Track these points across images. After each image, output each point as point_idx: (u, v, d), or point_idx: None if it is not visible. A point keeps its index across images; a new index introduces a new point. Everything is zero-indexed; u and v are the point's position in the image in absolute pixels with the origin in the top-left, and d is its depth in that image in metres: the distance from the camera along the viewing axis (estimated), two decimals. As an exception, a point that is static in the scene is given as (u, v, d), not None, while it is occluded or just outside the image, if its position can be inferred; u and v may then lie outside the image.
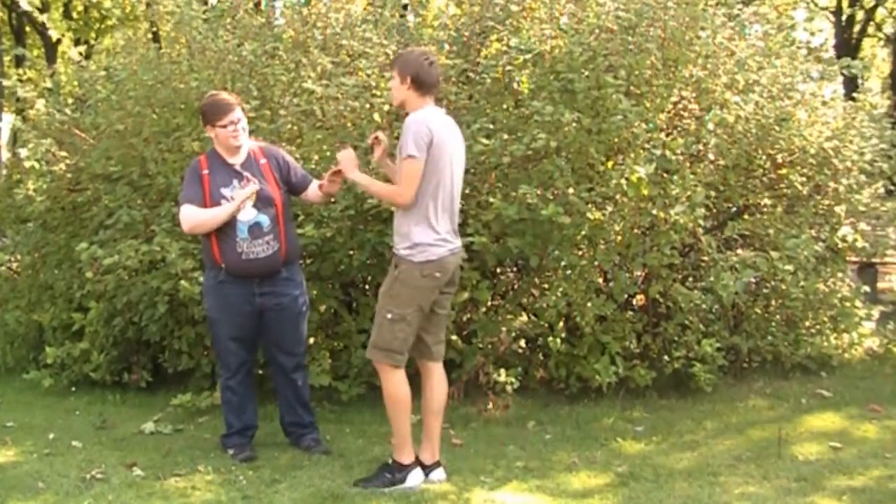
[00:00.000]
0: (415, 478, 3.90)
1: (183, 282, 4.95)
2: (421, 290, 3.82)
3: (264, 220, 4.23)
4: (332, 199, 4.72)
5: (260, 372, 5.25)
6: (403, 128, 3.80)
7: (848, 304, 5.98)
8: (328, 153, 5.26)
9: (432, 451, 3.99)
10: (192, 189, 4.28)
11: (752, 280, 5.60)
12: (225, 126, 4.26)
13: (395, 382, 3.89)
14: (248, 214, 4.21)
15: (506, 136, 5.07)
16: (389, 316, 3.83)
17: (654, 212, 5.05)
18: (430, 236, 3.81)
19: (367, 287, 5.77)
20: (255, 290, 4.28)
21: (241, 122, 4.29)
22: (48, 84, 6.93)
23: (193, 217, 4.24)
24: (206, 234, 4.29)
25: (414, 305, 3.82)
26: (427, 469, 3.98)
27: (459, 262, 4.02)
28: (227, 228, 4.21)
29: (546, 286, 5.38)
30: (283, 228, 4.29)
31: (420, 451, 4.01)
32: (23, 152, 6.25)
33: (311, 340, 5.33)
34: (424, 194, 3.79)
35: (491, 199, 4.99)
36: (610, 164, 5.14)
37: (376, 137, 4.11)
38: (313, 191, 4.46)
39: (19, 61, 17.46)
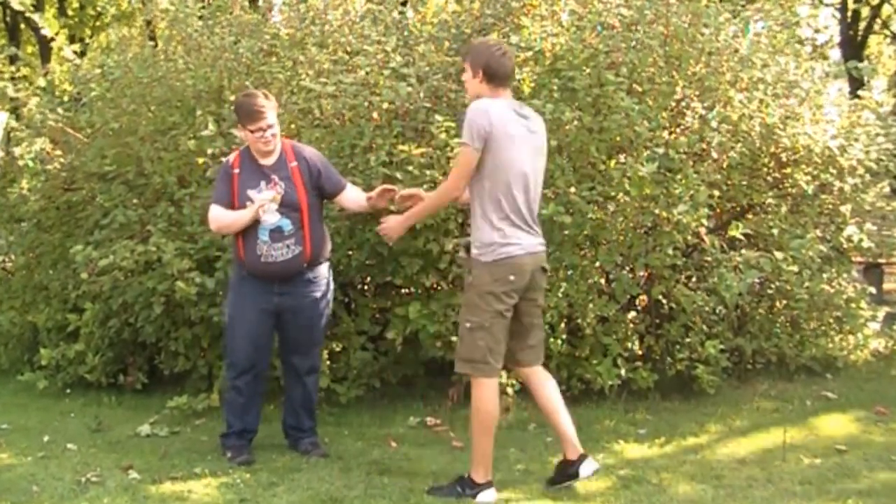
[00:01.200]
0: (486, 497, 3.78)
1: (179, 282, 4.95)
2: (495, 294, 3.65)
3: (286, 224, 4.23)
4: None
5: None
6: (466, 114, 3.70)
7: (853, 304, 5.98)
8: (326, 152, 5.25)
9: (573, 448, 3.86)
10: (221, 189, 4.33)
11: (756, 281, 5.59)
12: (253, 132, 4.26)
13: (483, 396, 3.76)
14: (272, 218, 4.22)
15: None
16: (468, 325, 3.71)
17: (657, 211, 5.06)
18: (499, 235, 3.66)
19: (365, 288, 5.78)
20: (275, 289, 4.29)
21: (270, 129, 4.26)
22: (42, 83, 6.94)
23: (219, 218, 4.30)
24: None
25: (490, 311, 3.66)
26: (574, 464, 3.86)
27: (541, 265, 3.84)
28: (250, 230, 4.24)
29: (547, 287, 5.37)
30: (308, 232, 4.27)
31: (564, 452, 3.90)
32: (17, 151, 6.26)
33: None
34: (493, 191, 3.66)
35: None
36: (612, 162, 5.14)
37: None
38: (348, 197, 4.44)
39: (13, 59, 17.46)
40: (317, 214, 4.38)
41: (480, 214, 3.71)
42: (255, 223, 4.22)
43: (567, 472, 3.89)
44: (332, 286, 4.51)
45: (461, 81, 5.51)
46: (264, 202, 4.20)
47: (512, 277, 3.67)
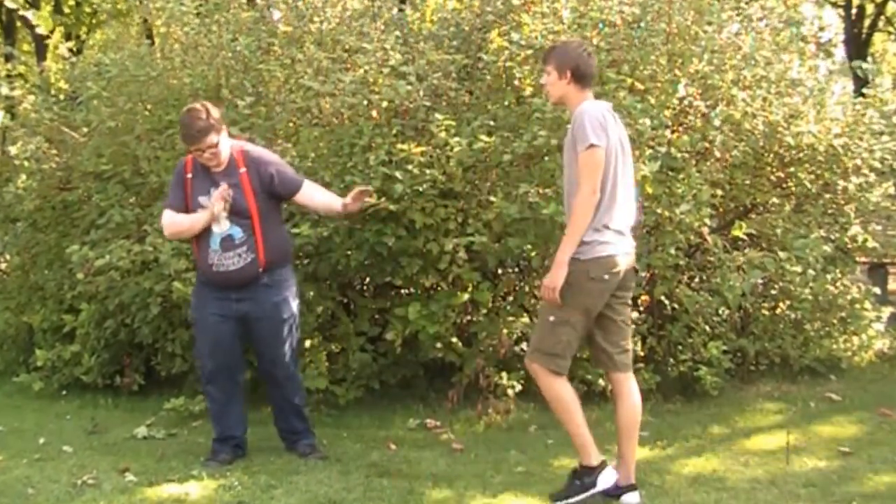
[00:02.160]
0: (606, 478, 3.74)
1: (176, 283, 4.95)
2: (588, 292, 3.63)
3: (237, 232, 4.17)
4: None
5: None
6: (575, 119, 3.66)
7: (858, 305, 5.98)
8: (325, 151, 5.26)
9: (626, 473, 3.79)
10: (175, 193, 4.29)
11: (760, 281, 5.60)
12: (192, 153, 4.23)
13: (557, 385, 3.73)
14: (222, 226, 4.18)
15: (507, 134, 5.07)
16: (552, 318, 3.69)
17: (659, 211, 5.06)
18: (598, 234, 3.63)
19: (364, 288, 5.78)
20: (233, 296, 4.24)
21: (210, 149, 4.15)
22: (37, 81, 6.94)
23: (173, 224, 4.27)
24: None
25: (580, 309, 3.65)
26: (620, 490, 3.78)
27: (632, 265, 3.81)
28: (203, 237, 4.21)
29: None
30: (261, 238, 4.19)
31: (618, 471, 3.83)
32: (12, 150, 6.26)
33: (308, 343, 5.33)
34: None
35: (492, 198, 4.99)
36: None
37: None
38: (307, 195, 4.36)
39: (8, 57, 17.43)
40: (272, 219, 4.29)
41: None
42: (207, 232, 4.19)
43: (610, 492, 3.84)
44: (294, 289, 4.40)
45: (461, 80, 5.57)
46: (213, 212, 4.13)
47: (607, 276, 3.66)
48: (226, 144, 4.24)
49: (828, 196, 5.94)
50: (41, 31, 8.63)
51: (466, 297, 5.18)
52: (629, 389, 3.84)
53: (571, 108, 3.76)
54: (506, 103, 5.39)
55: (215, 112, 4.22)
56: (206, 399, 4.46)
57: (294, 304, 4.39)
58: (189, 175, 4.27)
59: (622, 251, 3.72)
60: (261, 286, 4.26)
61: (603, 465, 3.78)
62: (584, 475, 3.77)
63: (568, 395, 3.76)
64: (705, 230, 5.26)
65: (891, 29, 20.78)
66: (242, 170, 4.24)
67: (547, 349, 3.72)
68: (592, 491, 3.75)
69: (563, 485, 3.83)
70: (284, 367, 4.40)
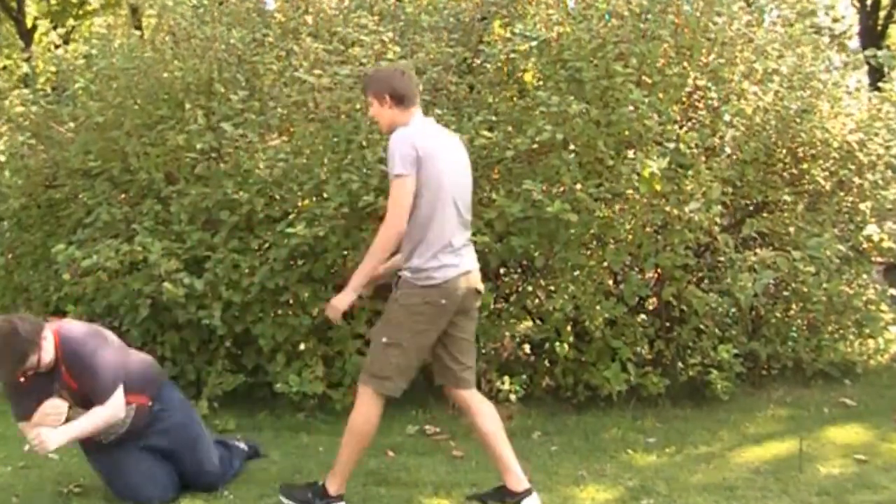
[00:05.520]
0: None
1: (166, 284, 4.95)
2: (423, 316, 3.70)
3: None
4: None
5: (247, 379, 5.28)
6: (388, 147, 3.74)
7: (873, 307, 5.98)
8: (320, 146, 5.26)
9: (517, 478, 3.81)
10: (22, 402, 3.90)
11: (772, 282, 5.59)
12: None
13: (366, 412, 3.76)
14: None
15: (509, 129, 5.07)
16: (384, 340, 3.74)
17: (668, 209, 5.06)
18: (433, 259, 3.69)
19: (362, 289, 5.77)
20: (139, 442, 3.98)
21: (31, 369, 3.77)
22: (24, 69, 6.94)
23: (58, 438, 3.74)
24: None
25: (413, 332, 3.71)
26: (518, 496, 3.80)
27: (473, 286, 3.82)
28: None
29: (552, 288, 5.38)
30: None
31: (506, 481, 3.84)
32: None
33: (303, 346, 5.34)
34: (424, 214, 3.69)
35: (494, 196, 4.99)
36: (620, 158, 5.14)
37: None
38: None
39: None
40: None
41: (416, 235, 3.71)
42: None
43: (503, 499, 3.85)
44: (183, 398, 4.23)
45: (461, 74, 5.58)
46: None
47: (444, 301, 3.70)
48: (48, 347, 3.79)
49: (842, 194, 5.94)
50: (29, 12, 8.65)
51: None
52: (478, 402, 3.91)
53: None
54: (508, 97, 5.39)
55: (31, 322, 3.82)
56: None
57: (194, 413, 4.22)
58: (21, 379, 3.82)
59: (460, 273, 3.74)
60: (156, 421, 4.00)
61: (338, 499, 3.81)
62: (318, 495, 3.81)
63: (367, 428, 3.78)
64: (715, 229, 5.26)
65: (907, 20, 20.74)
66: (63, 368, 3.83)
67: (376, 371, 3.76)
68: None
69: (301, 483, 3.94)
70: (210, 475, 4.10)
